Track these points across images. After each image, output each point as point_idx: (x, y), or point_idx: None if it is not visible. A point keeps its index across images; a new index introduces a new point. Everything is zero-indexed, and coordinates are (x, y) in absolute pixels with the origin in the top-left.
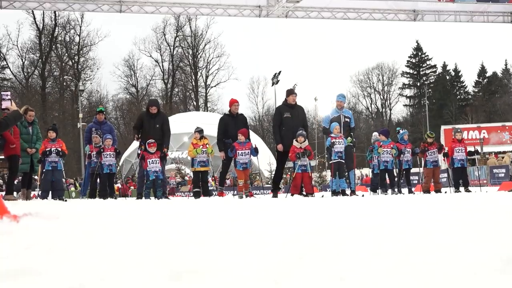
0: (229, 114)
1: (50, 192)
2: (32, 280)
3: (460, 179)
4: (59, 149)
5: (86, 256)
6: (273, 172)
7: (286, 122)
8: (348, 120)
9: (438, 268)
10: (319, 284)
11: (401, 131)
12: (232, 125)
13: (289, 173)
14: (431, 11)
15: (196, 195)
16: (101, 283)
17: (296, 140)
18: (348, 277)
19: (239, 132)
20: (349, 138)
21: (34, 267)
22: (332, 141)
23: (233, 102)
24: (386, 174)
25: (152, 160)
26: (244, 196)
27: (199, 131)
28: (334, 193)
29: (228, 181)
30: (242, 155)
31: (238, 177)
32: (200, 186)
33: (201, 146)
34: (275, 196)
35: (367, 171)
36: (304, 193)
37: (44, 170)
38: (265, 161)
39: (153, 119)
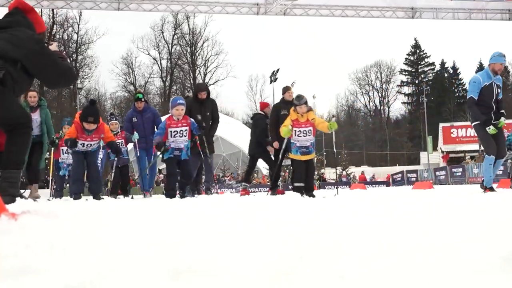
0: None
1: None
2: (32, 279)
3: None
4: (95, 142)
5: (86, 255)
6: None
7: (283, 119)
8: (499, 90)
9: (438, 266)
10: (319, 283)
11: None
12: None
13: (287, 171)
14: (429, 9)
15: (300, 191)
16: (102, 282)
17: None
18: (348, 276)
19: None
20: (502, 119)
21: (34, 266)
22: None
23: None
24: None
25: None
26: None
27: (305, 102)
28: None
29: (227, 179)
30: None
31: None
32: (304, 180)
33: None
34: (273, 194)
35: (364, 168)
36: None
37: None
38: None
39: (203, 105)
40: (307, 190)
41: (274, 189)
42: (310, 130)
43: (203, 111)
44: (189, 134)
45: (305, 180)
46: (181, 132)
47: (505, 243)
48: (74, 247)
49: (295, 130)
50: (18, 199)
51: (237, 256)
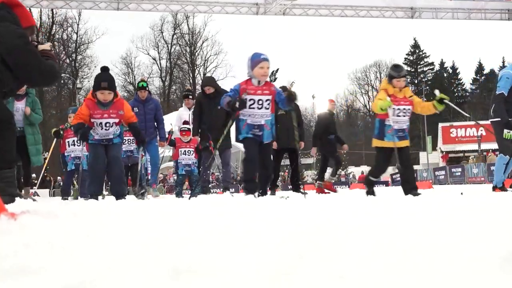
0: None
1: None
2: (32, 279)
3: None
4: (115, 120)
5: (86, 255)
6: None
7: (281, 119)
8: None
9: (437, 266)
10: (319, 283)
11: None
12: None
13: (287, 171)
14: (429, 9)
15: (371, 188)
16: (101, 281)
17: None
18: (348, 275)
19: None
20: None
21: (34, 266)
22: None
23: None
24: None
25: (185, 151)
26: None
27: (405, 75)
28: None
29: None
30: None
31: None
32: (403, 173)
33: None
34: (273, 193)
35: (363, 168)
36: (302, 190)
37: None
38: None
39: (212, 100)
40: (408, 186)
41: (273, 189)
42: (410, 109)
43: (213, 106)
44: (273, 107)
45: (404, 173)
46: (261, 102)
47: (504, 243)
48: (73, 246)
49: (394, 108)
50: (17, 199)
51: (237, 256)
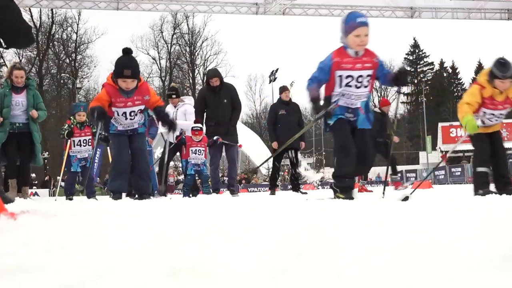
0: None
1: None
2: (31, 278)
3: None
4: (140, 108)
5: (85, 253)
6: (270, 170)
7: (281, 119)
8: None
9: (435, 264)
10: (316, 281)
11: None
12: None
13: (286, 171)
14: (428, 8)
15: (485, 179)
16: (100, 280)
17: None
18: (346, 274)
19: None
20: None
21: (33, 264)
22: None
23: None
24: None
25: (196, 150)
26: None
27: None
28: None
29: (225, 179)
30: None
31: None
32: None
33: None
34: (272, 193)
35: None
36: (302, 190)
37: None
38: (263, 159)
39: (217, 93)
40: (501, 181)
41: (273, 189)
42: (506, 111)
43: (218, 100)
44: (372, 84)
45: (492, 163)
46: (360, 79)
47: (503, 242)
48: (72, 246)
49: (485, 112)
50: (17, 199)
51: (236, 254)
